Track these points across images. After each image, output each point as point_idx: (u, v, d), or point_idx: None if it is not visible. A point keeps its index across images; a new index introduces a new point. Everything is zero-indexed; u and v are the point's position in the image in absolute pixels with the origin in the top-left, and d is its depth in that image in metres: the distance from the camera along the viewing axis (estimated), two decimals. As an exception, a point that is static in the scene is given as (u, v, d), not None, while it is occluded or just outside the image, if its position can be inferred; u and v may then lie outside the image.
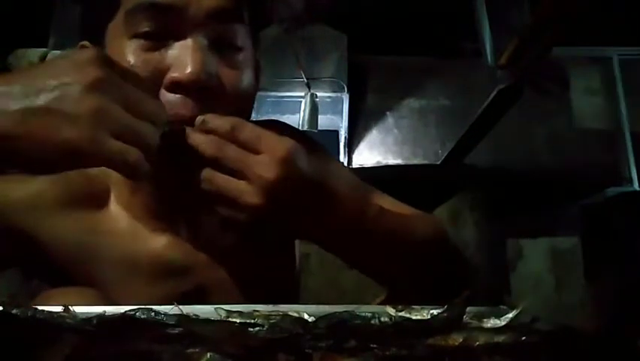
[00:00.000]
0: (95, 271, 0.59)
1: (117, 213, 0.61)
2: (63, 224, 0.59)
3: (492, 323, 0.41)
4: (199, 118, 0.51)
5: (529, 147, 2.67)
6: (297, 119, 2.41)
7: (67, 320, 0.37)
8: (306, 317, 0.40)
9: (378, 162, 2.69)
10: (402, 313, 0.42)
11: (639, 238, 2.17)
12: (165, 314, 0.38)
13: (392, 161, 2.70)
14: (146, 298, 0.58)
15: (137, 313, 0.38)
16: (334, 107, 2.63)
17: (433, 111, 2.75)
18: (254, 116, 0.65)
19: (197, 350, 0.33)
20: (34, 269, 0.65)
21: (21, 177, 0.60)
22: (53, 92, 0.41)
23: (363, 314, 0.39)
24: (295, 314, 0.41)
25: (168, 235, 0.61)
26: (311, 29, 2.60)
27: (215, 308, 0.42)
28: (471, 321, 0.41)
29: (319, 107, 2.46)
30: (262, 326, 0.38)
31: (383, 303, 0.62)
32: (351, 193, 0.56)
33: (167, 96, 0.53)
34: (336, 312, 0.39)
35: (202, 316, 0.39)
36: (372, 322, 0.39)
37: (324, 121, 2.54)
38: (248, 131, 0.49)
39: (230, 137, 0.49)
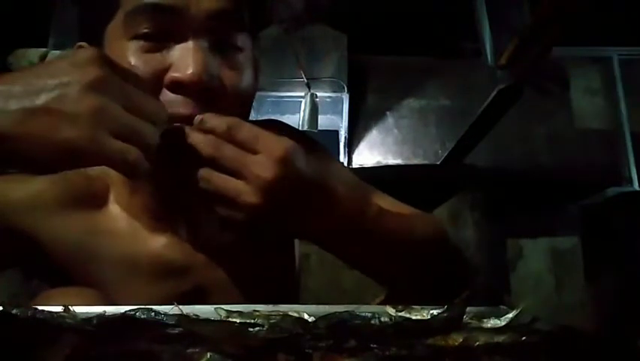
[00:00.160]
0: (94, 271, 0.59)
1: (117, 214, 0.61)
2: (63, 224, 0.59)
3: (492, 323, 0.41)
4: (197, 117, 0.51)
5: (529, 147, 2.67)
6: (297, 119, 2.41)
7: (67, 320, 0.37)
8: (306, 317, 0.41)
9: (378, 162, 2.69)
10: (402, 313, 0.42)
11: (639, 238, 2.18)
12: (165, 314, 0.38)
13: (392, 161, 2.70)
14: (145, 298, 0.58)
15: (137, 313, 0.38)
16: (334, 107, 2.63)
17: (433, 111, 2.75)
18: (254, 116, 0.65)
19: (197, 350, 0.33)
20: (34, 269, 0.65)
21: (21, 177, 0.60)
22: (53, 91, 0.41)
23: (363, 314, 0.39)
24: (295, 314, 0.41)
25: (168, 235, 0.61)
26: (311, 29, 2.60)
27: (215, 308, 0.42)
28: (471, 321, 0.41)
29: (319, 107, 2.46)
30: (262, 326, 0.38)
31: (383, 303, 0.62)
32: (350, 193, 0.56)
33: (167, 95, 0.53)
34: (336, 312, 0.39)
35: (202, 316, 0.39)
36: (372, 322, 0.39)
37: (324, 121, 2.54)
38: (245, 131, 0.49)
39: (228, 136, 0.49)
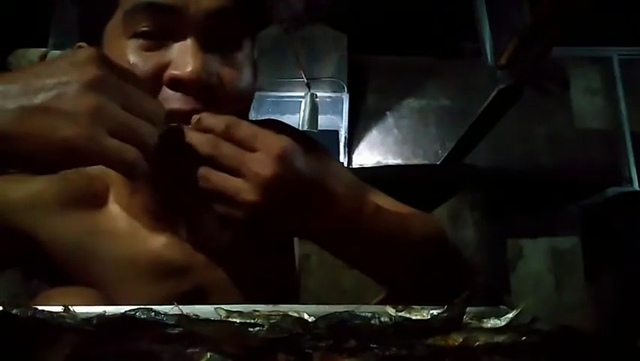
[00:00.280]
0: (94, 271, 0.59)
1: (116, 214, 0.61)
2: (63, 224, 0.59)
3: (492, 323, 0.41)
4: (194, 117, 0.51)
5: (529, 147, 2.67)
6: (297, 119, 2.41)
7: (67, 320, 0.37)
8: (306, 317, 0.40)
9: (378, 162, 2.69)
10: (402, 313, 0.42)
11: (639, 238, 2.18)
12: (165, 314, 0.38)
13: (392, 161, 2.70)
14: (145, 298, 0.58)
15: (137, 314, 0.38)
16: (334, 107, 2.63)
17: (433, 111, 2.75)
18: (254, 116, 0.65)
19: (197, 350, 0.33)
20: (34, 269, 0.65)
21: (21, 177, 0.60)
22: (51, 90, 0.41)
23: (363, 314, 0.39)
24: (295, 314, 0.41)
25: (168, 234, 0.61)
26: (311, 29, 2.60)
27: (215, 308, 0.42)
28: (471, 321, 0.41)
29: (319, 107, 2.46)
30: (262, 326, 0.38)
31: (383, 303, 0.62)
32: (349, 192, 0.56)
33: (167, 93, 0.53)
34: (336, 312, 0.39)
35: (202, 316, 0.39)
36: (372, 322, 0.39)
37: (324, 121, 2.54)
38: (243, 129, 0.49)
39: (226, 135, 0.49)
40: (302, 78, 2.50)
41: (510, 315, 0.42)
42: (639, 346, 0.36)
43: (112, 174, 0.61)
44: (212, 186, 0.49)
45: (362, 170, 2.52)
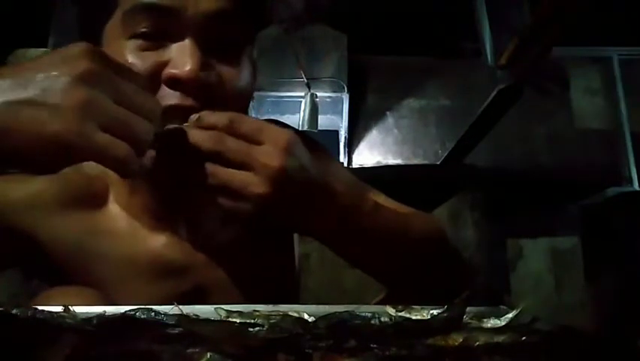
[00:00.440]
0: (94, 271, 0.59)
1: (116, 213, 0.61)
2: (62, 224, 0.59)
3: (492, 323, 0.41)
4: (193, 116, 0.50)
5: (529, 147, 2.67)
6: (297, 119, 2.41)
7: (67, 320, 0.37)
8: (306, 317, 0.40)
9: (378, 162, 2.69)
10: (402, 313, 0.42)
11: (639, 238, 2.18)
12: (165, 314, 0.38)
13: (392, 161, 2.70)
14: (145, 298, 0.58)
15: (137, 314, 0.38)
16: (334, 107, 2.63)
17: (433, 111, 2.75)
18: (253, 116, 0.65)
19: (197, 350, 0.33)
20: (34, 269, 0.65)
21: (20, 177, 0.60)
22: (40, 84, 0.40)
23: (363, 314, 0.39)
24: (295, 314, 0.41)
25: (168, 234, 0.61)
26: (311, 29, 2.60)
27: (215, 308, 0.42)
28: (471, 321, 0.41)
29: (319, 107, 2.46)
30: (262, 326, 0.38)
31: (383, 303, 0.62)
32: (348, 190, 0.56)
33: (165, 90, 0.53)
34: (336, 312, 0.39)
35: (202, 316, 0.39)
36: (372, 322, 0.39)
37: (324, 121, 2.54)
38: (248, 123, 0.49)
39: (230, 130, 0.49)
40: (302, 78, 2.50)
41: (510, 315, 0.42)
42: (639, 346, 0.36)
43: (111, 174, 0.61)
44: (220, 182, 0.48)
45: (362, 170, 2.52)
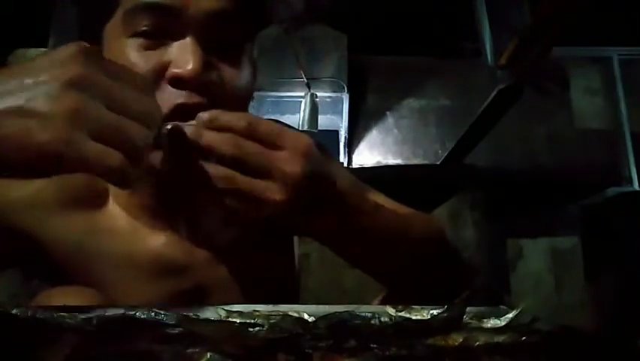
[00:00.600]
0: (94, 270, 0.59)
1: (117, 212, 0.61)
2: (63, 223, 0.59)
3: (492, 323, 0.41)
4: (202, 114, 0.48)
5: (529, 147, 2.67)
6: (297, 119, 2.41)
7: (67, 320, 0.37)
8: (306, 317, 0.40)
9: (378, 162, 2.69)
10: (402, 313, 0.42)
11: (639, 238, 2.18)
12: (165, 314, 0.38)
13: (392, 161, 2.70)
14: (145, 297, 0.58)
15: (137, 314, 0.38)
16: (334, 107, 2.63)
17: (433, 111, 2.75)
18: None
19: (197, 350, 0.33)
20: (34, 269, 0.65)
21: (20, 177, 0.59)
22: (29, 91, 0.37)
23: (363, 314, 0.39)
24: (295, 314, 0.41)
25: (168, 233, 0.61)
26: (311, 29, 2.60)
27: (215, 308, 0.42)
28: (471, 321, 0.41)
29: (319, 107, 2.46)
30: (262, 326, 0.38)
31: (383, 302, 0.62)
32: (350, 190, 0.56)
33: (169, 90, 0.53)
34: (336, 312, 0.39)
35: (202, 316, 0.39)
36: (372, 322, 0.39)
37: (324, 121, 2.54)
38: (266, 127, 0.48)
39: (248, 133, 0.47)
40: (302, 78, 2.50)
41: (510, 315, 0.42)
42: (639, 346, 0.36)
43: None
44: (235, 187, 0.47)
45: (362, 170, 2.52)
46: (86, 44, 0.41)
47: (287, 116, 2.51)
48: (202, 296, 0.60)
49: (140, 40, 0.54)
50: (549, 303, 2.17)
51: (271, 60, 2.50)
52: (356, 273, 0.62)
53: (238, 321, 0.39)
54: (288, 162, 0.47)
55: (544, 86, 2.68)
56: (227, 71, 0.56)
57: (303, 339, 0.36)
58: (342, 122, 2.62)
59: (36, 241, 0.58)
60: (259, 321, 0.39)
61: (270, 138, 0.47)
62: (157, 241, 0.60)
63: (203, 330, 0.36)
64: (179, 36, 0.54)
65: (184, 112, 0.51)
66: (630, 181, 2.58)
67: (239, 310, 0.41)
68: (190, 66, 0.52)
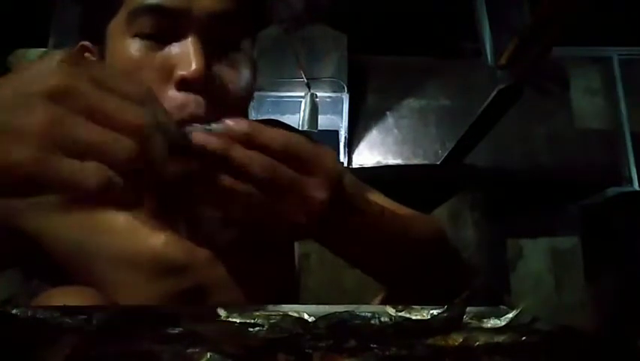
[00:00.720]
0: (95, 269, 0.59)
1: (117, 212, 0.61)
2: (63, 223, 0.59)
3: (492, 323, 0.41)
4: (231, 125, 0.44)
5: (529, 147, 2.67)
6: (297, 119, 2.41)
7: (67, 320, 0.37)
8: (306, 317, 0.41)
9: (378, 162, 2.69)
10: (402, 313, 0.42)
11: (639, 238, 2.18)
12: (165, 314, 0.38)
13: (392, 161, 2.70)
14: (145, 297, 0.58)
15: (138, 313, 0.38)
16: (334, 107, 2.63)
17: (433, 111, 2.75)
18: (254, 116, 0.65)
19: (197, 350, 0.33)
20: (34, 269, 0.65)
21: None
22: (8, 106, 0.35)
23: (363, 314, 0.39)
24: (295, 314, 0.41)
25: (168, 233, 0.61)
26: (311, 29, 2.60)
27: (215, 308, 0.42)
28: (471, 321, 0.41)
29: (319, 107, 2.46)
30: (262, 326, 0.38)
31: (383, 302, 0.62)
32: (352, 191, 0.56)
33: (177, 96, 0.53)
34: (336, 312, 0.39)
35: (202, 316, 0.39)
36: (372, 322, 0.39)
37: (324, 121, 2.54)
38: (302, 152, 0.46)
39: (284, 156, 0.45)
40: (302, 78, 2.50)
41: (510, 315, 0.42)
42: (639, 346, 0.36)
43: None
44: (259, 206, 0.45)
45: (362, 170, 2.52)
46: (74, 52, 0.39)
47: (287, 116, 2.51)
48: (202, 296, 0.60)
49: (142, 41, 0.54)
50: (549, 303, 2.17)
51: (271, 60, 2.50)
52: (356, 273, 0.62)
53: (238, 321, 0.39)
54: (318, 190, 0.46)
55: (544, 86, 2.68)
56: (228, 73, 0.56)
57: (303, 339, 0.36)
58: (342, 122, 2.62)
59: (36, 241, 0.58)
60: (259, 321, 0.39)
61: (306, 163, 0.46)
62: (157, 240, 0.60)
63: (203, 330, 0.36)
64: (181, 37, 0.54)
65: (193, 121, 0.51)
66: (630, 181, 2.58)
67: (239, 311, 0.41)
68: (193, 67, 0.52)
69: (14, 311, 0.37)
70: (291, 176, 0.45)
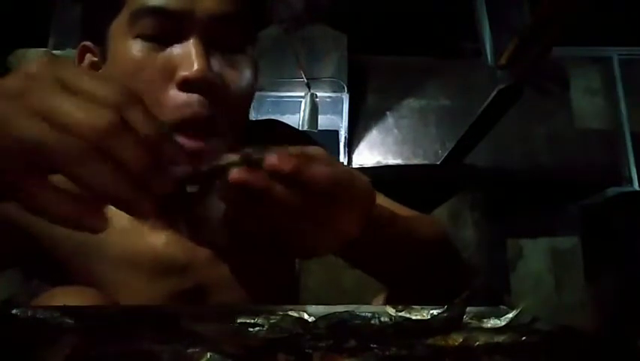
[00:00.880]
0: (95, 269, 0.59)
1: (117, 212, 0.61)
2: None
3: (492, 323, 0.41)
4: (278, 163, 0.40)
5: (529, 147, 2.67)
6: (297, 119, 2.41)
7: (67, 320, 0.37)
8: (306, 317, 0.41)
9: (378, 162, 2.69)
10: (402, 313, 0.42)
11: (639, 238, 2.18)
12: (166, 314, 0.38)
13: (392, 161, 2.70)
14: (146, 297, 0.58)
15: (138, 313, 0.38)
16: (334, 107, 2.63)
17: (433, 111, 2.75)
18: (254, 116, 0.65)
19: (197, 350, 0.33)
20: (34, 269, 0.65)
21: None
22: None
23: (363, 314, 0.39)
24: (295, 314, 0.41)
25: (169, 232, 0.61)
26: (311, 29, 2.60)
27: (215, 308, 0.42)
28: (471, 321, 0.41)
29: (319, 107, 2.46)
30: (262, 326, 0.38)
31: (383, 302, 0.62)
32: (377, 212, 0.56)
33: (180, 96, 0.53)
34: (336, 312, 0.39)
35: (202, 315, 0.39)
36: (372, 322, 0.39)
37: (324, 121, 2.54)
38: (345, 186, 0.43)
39: (326, 192, 0.42)
40: (302, 78, 2.50)
41: (510, 315, 0.42)
42: (639, 346, 0.36)
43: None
44: (290, 236, 0.44)
45: (362, 170, 2.51)
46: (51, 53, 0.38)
47: (287, 116, 2.51)
48: (203, 296, 0.61)
49: (145, 42, 0.54)
50: (549, 303, 2.17)
51: (271, 60, 2.50)
52: (356, 273, 0.62)
53: (238, 321, 0.39)
54: (353, 225, 0.45)
55: (544, 86, 2.68)
56: (230, 74, 0.56)
57: (303, 339, 0.36)
58: (342, 122, 2.62)
59: (37, 241, 0.58)
60: (259, 321, 0.39)
61: (345, 198, 0.44)
62: (158, 240, 0.60)
63: (203, 330, 0.36)
64: (183, 38, 0.54)
65: (195, 122, 0.52)
66: (630, 181, 2.58)
67: (239, 310, 0.41)
68: (195, 67, 0.52)
69: (14, 311, 0.37)
70: (328, 214, 0.43)
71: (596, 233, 2.25)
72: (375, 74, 2.78)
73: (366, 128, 2.73)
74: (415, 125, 2.74)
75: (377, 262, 0.58)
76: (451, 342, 0.36)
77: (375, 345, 0.35)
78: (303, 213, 0.41)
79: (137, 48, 0.54)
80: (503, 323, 0.41)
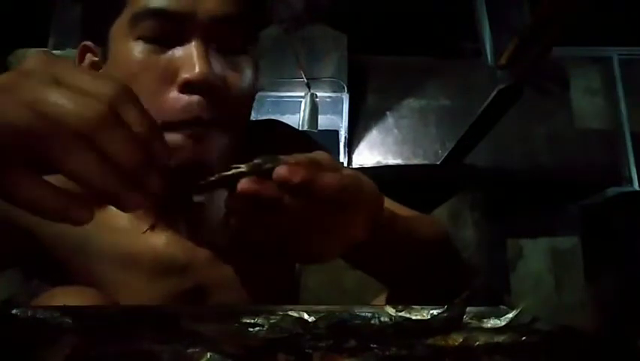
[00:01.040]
0: (95, 269, 0.59)
1: (117, 212, 0.61)
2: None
3: (492, 323, 0.41)
4: (285, 174, 0.39)
5: (529, 147, 2.67)
6: (297, 119, 2.41)
7: (67, 320, 0.37)
8: (306, 316, 0.40)
9: (378, 162, 2.69)
10: (402, 313, 0.42)
11: (639, 238, 2.18)
12: (165, 314, 0.38)
13: (392, 161, 2.69)
14: (146, 297, 0.58)
15: (138, 313, 0.38)
16: (334, 107, 2.62)
17: (433, 111, 2.75)
18: (254, 116, 0.65)
19: (197, 350, 0.33)
20: (34, 269, 0.65)
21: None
22: None
23: (363, 314, 0.39)
24: (295, 314, 0.41)
25: (169, 232, 0.61)
26: (311, 29, 2.60)
27: (215, 308, 0.42)
28: (471, 321, 0.41)
29: (319, 107, 2.46)
30: (262, 326, 0.38)
31: (384, 302, 0.62)
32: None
33: (182, 98, 0.53)
34: (336, 312, 0.39)
35: (202, 315, 0.39)
36: (372, 322, 0.39)
37: (324, 121, 2.54)
38: (355, 193, 0.43)
39: (336, 200, 0.42)
40: (302, 78, 2.50)
41: (510, 315, 0.42)
42: (639, 346, 0.36)
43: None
44: (297, 243, 0.44)
45: (362, 170, 2.51)
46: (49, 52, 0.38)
47: (287, 116, 2.51)
48: (203, 296, 0.61)
49: (146, 44, 0.54)
50: (549, 303, 2.17)
51: (271, 60, 2.50)
52: (356, 273, 0.62)
53: (238, 321, 0.39)
54: (360, 229, 0.45)
55: (544, 86, 2.67)
56: (231, 75, 0.56)
57: (303, 339, 0.36)
58: (342, 122, 2.62)
59: (37, 240, 0.58)
60: (259, 321, 0.39)
61: (355, 204, 0.44)
62: (158, 239, 0.60)
63: (203, 330, 0.36)
64: (184, 40, 0.54)
65: (196, 124, 0.52)
66: (630, 181, 2.58)
67: (239, 310, 0.41)
68: (197, 70, 0.52)
69: (14, 311, 0.37)
70: (336, 221, 0.43)
71: (596, 233, 2.24)
72: (375, 74, 2.78)
73: (366, 128, 2.73)
74: (415, 125, 2.74)
75: (377, 262, 0.58)
76: (451, 342, 0.36)
77: (375, 345, 0.35)
78: (311, 222, 0.41)
79: (138, 50, 0.54)
80: (503, 323, 0.41)
